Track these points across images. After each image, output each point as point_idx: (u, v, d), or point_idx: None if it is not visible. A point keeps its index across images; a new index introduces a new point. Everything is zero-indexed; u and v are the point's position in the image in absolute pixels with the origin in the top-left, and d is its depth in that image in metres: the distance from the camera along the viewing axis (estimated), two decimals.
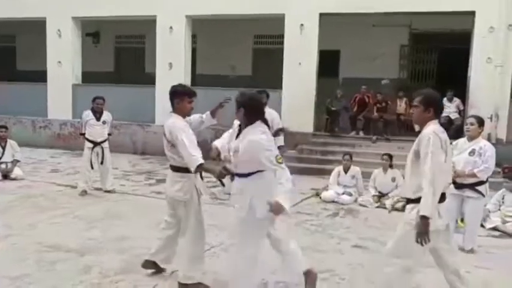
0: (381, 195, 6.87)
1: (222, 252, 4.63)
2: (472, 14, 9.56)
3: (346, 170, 7.23)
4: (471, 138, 4.91)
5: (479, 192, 4.84)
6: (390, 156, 6.96)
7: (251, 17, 11.13)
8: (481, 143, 4.90)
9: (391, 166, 6.95)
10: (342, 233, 5.42)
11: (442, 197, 3.00)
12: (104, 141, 7.18)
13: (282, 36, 11.06)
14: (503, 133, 9.44)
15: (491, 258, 4.80)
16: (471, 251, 4.86)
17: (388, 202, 6.65)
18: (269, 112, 6.10)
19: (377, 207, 6.74)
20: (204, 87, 11.82)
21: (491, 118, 9.33)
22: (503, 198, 6.00)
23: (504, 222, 5.72)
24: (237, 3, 10.86)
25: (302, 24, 10.56)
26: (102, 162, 7.11)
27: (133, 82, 12.34)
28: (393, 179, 6.86)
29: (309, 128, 10.52)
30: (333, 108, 10.75)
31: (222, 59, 13.28)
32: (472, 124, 4.89)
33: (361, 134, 10.57)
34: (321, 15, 10.44)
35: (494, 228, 5.72)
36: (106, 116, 7.19)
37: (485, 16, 9.38)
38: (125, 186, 7.80)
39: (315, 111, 10.69)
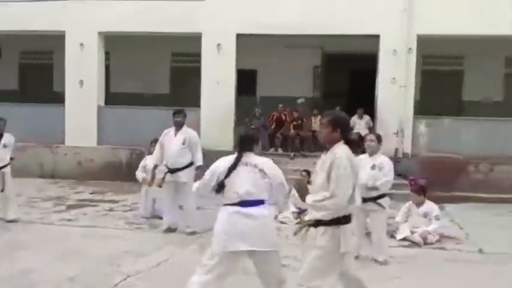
0: (300, 212, 6.98)
1: (140, 282, 4.37)
2: (377, 37, 10.28)
3: None
4: (371, 154, 5.25)
5: (381, 205, 5.13)
6: (308, 173, 7.13)
7: (168, 35, 10.98)
8: (380, 158, 5.25)
9: (309, 182, 7.09)
10: None
11: (349, 218, 3.08)
12: (5, 166, 6.54)
13: (200, 54, 11.05)
14: (408, 147, 10.15)
15: (402, 268, 5.06)
16: (385, 262, 5.09)
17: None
18: (186, 131, 6.06)
19: (297, 223, 6.83)
20: (119, 106, 11.42)
21: (397, 134, 10.02)
22: (409, 210, 6.40)
23: (412, 232, 6.09)
24: (153, 21, 10.65)
25: (219, 44, 10.63)
26: (2, 190, 6.45)
27: (40, 100, 11.50)
28: None
29: (229, 145, 10.47)
30: (252, 126, 10.87)
31: (138, 77, 12.91)
32: (372, 141, 5.27)
33: (280, 151, 10.80)
34: (238, 35, 10.60)
35: (404, 239, 6.06)
36: (6, 138, 6.58)
37: (388, 40, 10.12)
38: (30, 214, 7.12)
39: (234, 130, 10.73)
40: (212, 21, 10.55)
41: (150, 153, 7.22)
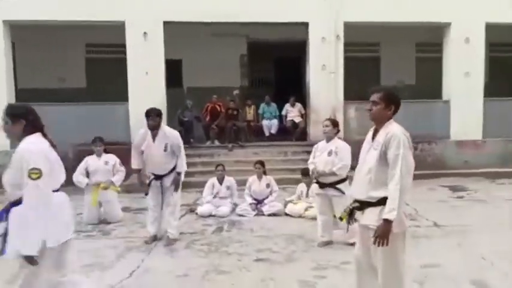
0: (257, 202, 6.86)
1: None
2: (306, 25, 10.44)
3: (220, 181, 7.01)
4: (328, 139, 5.24)
5: (340, 190, 5.13)
6: (262, 164, 7.01)
7: (82, 24, 10.04)
8: (337, 143, 5.23)
9: (264, 173, 7.00)
10: (237, 248, 5.17)
11: None
12: None
13: (118, 45, 10.30)
14: (341, 133, 10.46)
15: None
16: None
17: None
18: (165, 135, 5.35)
19: (255, 215, 6.71)
20: (31, 103, 10.20)
21: None
22: None
23: None
24: (65, 9, 9.66)
25: (145, 33, 10.00)
26: None
27: None
28: (268, 185, 6.92)
29: None
30: (185, 119, 10.44)
31: (48, 70, 11.69)
32: (327, 126, 5.23)
33: (216, 142, 10.52)
34: (165, 23, 10.06)
35: None
36: None
37: (317, 27, 10.35)
38: None
39: (167, 123, 10.19)
40: (137, 9, 9.89)
41: (93, 153, 6.56)
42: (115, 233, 5.99)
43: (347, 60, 10.67)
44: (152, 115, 5.22)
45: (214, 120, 10.75)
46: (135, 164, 5.52)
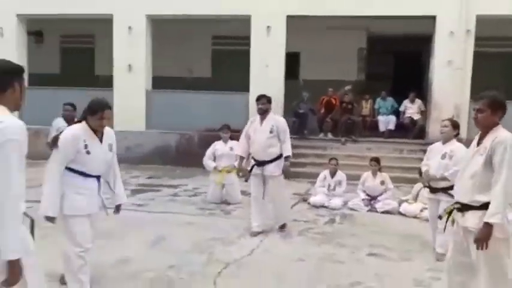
0: (371, 199, 6.89)
1: (242, 271, 4.31)
2: (433, 18, 9.98)
3: (332, 174, 7.18)
4: (445, 141, 4.85)
5: (451, 195, 4.85)
6: (378, 161, 6.99)
7: (210, 17, 10.82)
8: (454, 145, 4.80)
9: (380, 170, 6.99)
10: (350, 241, 5.31)
11: None
12: None
13: (243, 37, 10.87)
14: (464, 132, 9.89)
15: None
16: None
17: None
18: (273, 118, 5.53)
19: (368, 210, 6.76)
20: (166, 90, 11.32)
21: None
22: None
23: None
24: (199, 4, 10.48)
25: (269, 26, 10.44)
26: None
27: (81, 84, 11.45)
28: (382, 183, 6.89)
29: None
30: (300, 111, 10.71)
31: (178, 61, 12.79)
32: (445, 126, 4.84)
33: (330, 135, 10.63)
34: (288, 17, 10.39)
35: None
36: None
37: (446, 21, 9.82)
38: None
39: (282, 115, 10.57)
40: (261, 3, 10.36)
41: (219, 139, 7.17)
42: (235, 213, 6.51)
43: (476, 55, 9.98)
44: (262, 99, 5.40)
45: (329, 113, 10.85)
46: (239, 151, 5.70)
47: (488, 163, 2.90)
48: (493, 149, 2.88)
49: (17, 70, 2.20)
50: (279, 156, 5.43)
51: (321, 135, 10.73)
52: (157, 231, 5.45)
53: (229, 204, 6.95)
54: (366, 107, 11.13)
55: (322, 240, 5.36)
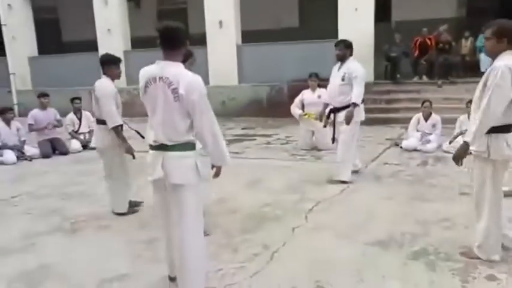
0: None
1: (333, 206, 4.61)
2: None
3: (426, 118, 7.02)
4: None
5: None
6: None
7: None
8: None
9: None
10: (442, 181, 5.32)
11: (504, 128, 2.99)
12: None
13: None
14: None
15: None
16: None
17: None
18: (348, 65, 5.27)
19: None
20: (255, 43, 11.59)
21: None
22: None
23: None
24: None
25: None
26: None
27: None
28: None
29: (369, 77, 10.18)
30: (392, 55, 10.36)
31: (266, 12, 12.90)
32: None
33: (425, 78, 10.21)
34: None
35: None
36: None
37: None
38: None
39: (373, 59, 10.33)
40: None
41: (307, 87, 7.35)
42: (326, 158, 6.75)
43: None
44: (340, 45, 5.26)
45: (424, 55, 10.35)
46: (326, 98, 5.77)
47: (483, 89, 2.99)
48: (488, 75, 2.94)
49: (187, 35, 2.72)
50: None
51: (415, 79, 10.35)
52: (253, 174, 5.92)
53: (320, 150, 7.19)
54: (465, 46, 10.41)
55: (413, 181, 5.43)
